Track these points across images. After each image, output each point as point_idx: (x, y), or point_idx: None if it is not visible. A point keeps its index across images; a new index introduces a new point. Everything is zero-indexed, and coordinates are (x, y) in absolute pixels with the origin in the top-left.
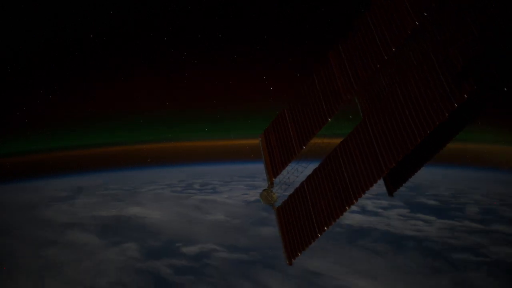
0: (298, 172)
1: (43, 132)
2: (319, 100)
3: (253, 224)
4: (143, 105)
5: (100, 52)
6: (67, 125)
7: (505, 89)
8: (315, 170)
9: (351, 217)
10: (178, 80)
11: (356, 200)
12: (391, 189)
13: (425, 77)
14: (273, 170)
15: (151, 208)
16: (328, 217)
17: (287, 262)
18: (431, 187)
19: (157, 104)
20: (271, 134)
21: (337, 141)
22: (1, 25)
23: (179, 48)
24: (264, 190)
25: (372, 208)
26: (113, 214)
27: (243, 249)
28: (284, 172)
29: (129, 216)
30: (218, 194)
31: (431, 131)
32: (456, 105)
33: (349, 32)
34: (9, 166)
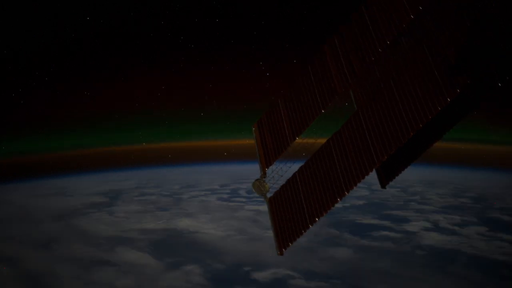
0: (291, 163)
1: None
2: (313, 92)
3: (323, 244)
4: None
5: (100, 52)
6: (68, 125)
7: (499, 84)
8: (307, 161)
9: (429, 236)
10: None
11: (348, 192)
12: (384, 181)
13: (419, 73)
14: (266, 160)
15: (202, 221)
16: (320, 208)
17: (278, 252)
18: (496, 198)
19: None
20: (264, 124)
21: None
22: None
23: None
24: (257, 180)
25: (446, 225)
26: (162, 227)
27: (321, 275)
28: (277, 162)
29: (180, 230)
30: None
31: (424, 125)
32: (448, 100)
33: (345, 24)
34: (26, 164)
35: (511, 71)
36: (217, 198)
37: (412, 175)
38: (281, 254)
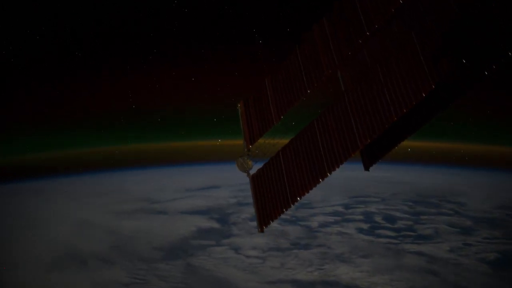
0: (275, 141)
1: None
2: (300, 72)
3: None
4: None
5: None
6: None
7: (486, 72)
8: (291, 140)
9: None
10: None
11: (330, 173)
12: (367, 164)
13: (406, 59)
14: (250, 138)
15: (365, 270)
16: (301, 188)
17: (259, 229)
18: None
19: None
20: (250, 102)
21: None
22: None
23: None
24: (240, 157)
25: None
26: (319, 278)
27: None
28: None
29: (346, 285)
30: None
31: (408, 110)
32: (433, 86)
33: (334, 7)
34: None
35: (497, 60)
36: (356, 229)
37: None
38: (261, 231)
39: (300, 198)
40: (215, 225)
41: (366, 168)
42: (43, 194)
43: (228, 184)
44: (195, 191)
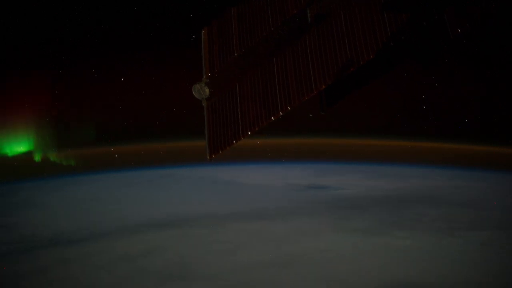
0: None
1: None
2: (266, 9)
3: None
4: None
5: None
6: None
7: (451, 36)
8: (249, 74)
9: None
10: None
11: (283, 112)
12: (324, 106)
13: (369, 12)
14: (210, 65)
15: None
16: (253, 123)
17: (208, 157)
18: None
19: None
20: (214, 30)
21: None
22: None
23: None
24: (198, 83)
25: None
26: None
27: None
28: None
29: None
30: None
31: (365, 62)
32: (392, 43)
33: None
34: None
35: (464, 25)
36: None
37: None
38: (210, 159)
39: (251, 133)
40: None
41: (323, 110)
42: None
43: None
44: None
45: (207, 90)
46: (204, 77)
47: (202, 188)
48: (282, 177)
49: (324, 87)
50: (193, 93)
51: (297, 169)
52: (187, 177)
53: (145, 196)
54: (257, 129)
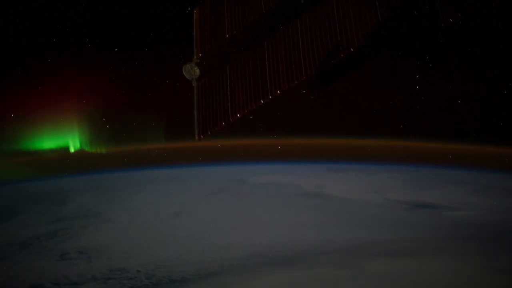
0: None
1: None
2: None
3: None
4: None
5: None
6: None
7: (442, 24)
8: (240, 56)
9: None
10: None
11: (272, 95)
12: (314, 90)
13: (361, 0)
14: (201, 46)
15: None
16: (243, 105)
17: (196, 137)
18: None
19: None
20: (206, 10)
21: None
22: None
23: None
24: (188, 63)
25: None
26: None
27: None
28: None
29: None
30: None
31: (355, 49)
32: (383, 31)
33: None
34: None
35: (456, 14)
36: None
37: None
38: (198, 139)
39: (240, 115)
40: None
41: (312, 94)
42: None
43: None
44: None
45: (197, 70)
46: (195, 57)
47: (300, 203)
48: (371, 188)
49: (314, 72)
50: (184, 73)
51: (379, 175)
52: (285, 186)
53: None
54: (246, 111)
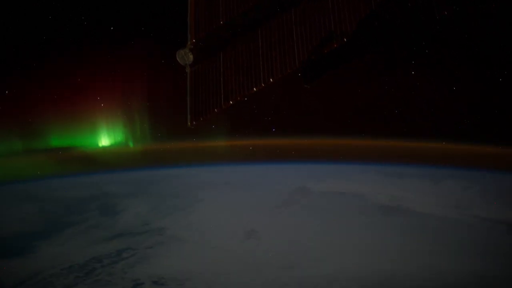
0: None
1: None
2: None
3: None
4: None
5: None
6: None
7: (437, 17)
8: (233, 43)
9: None
10: None
11: (265, 83)
12: (307, 80)
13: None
14: (196, 31)
15: None
16: (235, 93)
17: (188, 123)
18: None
19: None
20: None
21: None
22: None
23: None
24: (182, 49)
25: None
26: None
27: None
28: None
29: None
30: None
31: (348, 39)
32: (376, 22)
33: None
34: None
35: (451, 7)
36: None
37: None
38: (191, 125)
39: (233, 102)
40: None
41: (305, 83)
42: None
43: None
44: None
45: (191, 56)
46: (189, 43)
47: (382, 222)
48: (448, 201)
49: (307, 61)
50: (177, 59)
51: (448, 183)
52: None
53: None
54: (239, 99)
